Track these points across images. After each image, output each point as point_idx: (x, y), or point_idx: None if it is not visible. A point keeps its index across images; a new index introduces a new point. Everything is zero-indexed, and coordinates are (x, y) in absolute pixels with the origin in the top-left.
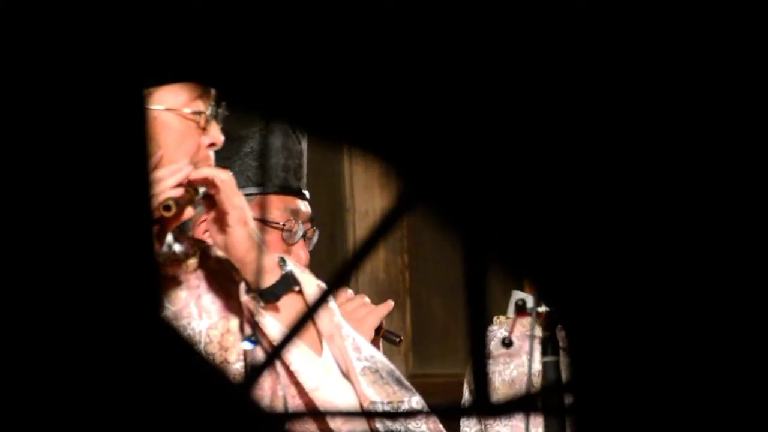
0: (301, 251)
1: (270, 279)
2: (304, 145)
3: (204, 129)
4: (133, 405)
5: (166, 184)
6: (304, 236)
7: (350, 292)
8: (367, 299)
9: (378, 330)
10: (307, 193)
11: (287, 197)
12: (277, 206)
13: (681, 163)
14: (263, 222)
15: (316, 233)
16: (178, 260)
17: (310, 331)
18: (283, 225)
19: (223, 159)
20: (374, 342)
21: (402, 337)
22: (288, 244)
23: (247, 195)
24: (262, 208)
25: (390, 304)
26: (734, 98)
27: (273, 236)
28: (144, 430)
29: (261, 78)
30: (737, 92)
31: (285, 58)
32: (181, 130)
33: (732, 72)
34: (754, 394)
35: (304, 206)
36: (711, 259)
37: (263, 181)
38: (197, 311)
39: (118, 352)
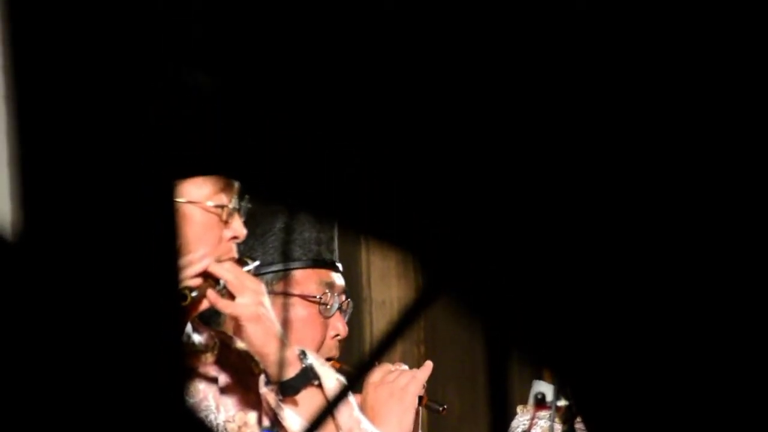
0: (339, 323)
1: (290, 372)
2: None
3: (226, 222)
4: None
5: (185, 273)
6: (339, 308)
7: (389, 365)
8: (405, 367)
9: (420, 399)
10: (340, 266)
11: (322, 270)
12: (313, 280)
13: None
14: (300, 296)
15: (351, 305)
16: (197, 352)
17: (329, 426)
18: (320, 298)
19: (257, 236)
20: (417, 412)
21: (446, 406)
22: (325, 317)
23: (281, 270)
24: (298, 282)
25: (429, 365)
26: (734, 98)
27: (310, 310)
28: None
29: (280, 169)
30: (737, 92)
31: (304, 147)
32: (203, 223)
33: (732, 72)
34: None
35: (338, 278)
36: (722, 317)
37: (298, 256)
38: (215, 404)
39: None
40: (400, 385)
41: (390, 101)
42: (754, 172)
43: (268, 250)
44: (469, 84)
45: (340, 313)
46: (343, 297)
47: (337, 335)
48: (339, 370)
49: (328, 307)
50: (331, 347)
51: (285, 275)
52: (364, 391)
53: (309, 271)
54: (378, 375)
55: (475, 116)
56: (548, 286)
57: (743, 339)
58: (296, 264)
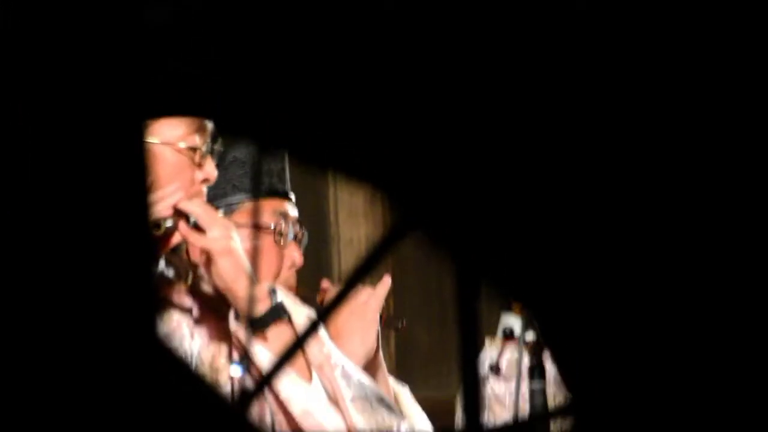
0: (294, 253)
1: (260, 308)
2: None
3: (199, 164)
4: (128, 423)
5: (157, 207)
6: (294, 238)
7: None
8: (362, 287)
9: (380, 317)
10: (293, 196)
11: (274, 200)
12: (266, 210)
13: (677, 171)
14: (254, 227)
15: (306, 234)
16: (171, 282)
17: (299, 361)
18: (275, 228)
19: None
20: (378, 330)
21: (404, 322)
22: (280, 246)
23: (235, 203)
24: (252, 213)
25: (387, 279)
26: (734, 99)
27: (265, 240)
28: None
29: (250, 104)
30: (737, 92)
31: (273, 84)
32: (176, 163)
33: (732, 72)
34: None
35: (292, 208)
36: (701, 278)
37: (250, 187)
38: (189, 332)
39: (114, 370)
40: (360, 302)
41: (367, 37)
42: (753, 163)
43: (220, 183)
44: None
45: (296, 242)
46: (298, 227)
47: (293, 265)
48: (297, 295)
49: (283, 235)
50: (288, 277)
51: (237, 207)
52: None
53: (262, 202)
54: (335, 295)
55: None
56: (518, 218)
57: (716, 276)
58: (248, 195)
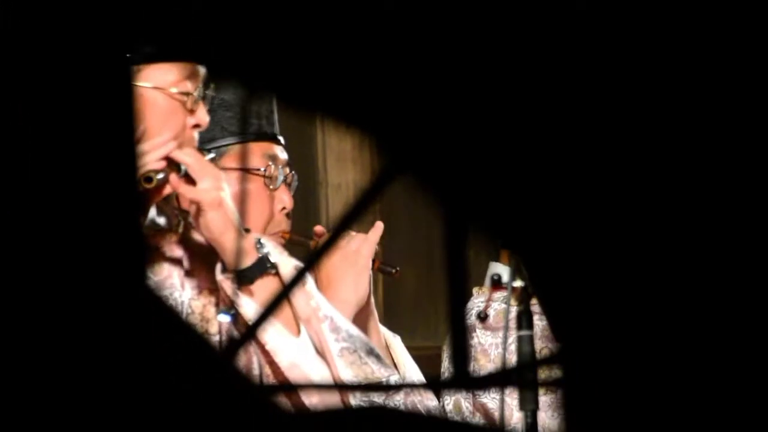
0: (285, 196)
1: (246, 261)
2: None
3: (191, 110)
4: (117, 371)
5: (149, 157)
6: (284, 181)
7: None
8: (353, 232)
9: (373, 263)
10: (282, 139)
11: (264, 143)
12: (256, 153)
13: (662, 135)
14: (244, 170)
15: (296, 177)
16: (161, 232)
17: (286, 312)
18: (264, 171)
19: None
20: (370, 276)
21: (398, 269)
22: (270, 190)
23: (224, 146)
24: (242, 157)
25: (379, 225)
26: (734, 97)
27: (255, 184)
28: (127, 394)
29: (240, 47)
30: (737, 91)
31: (263, 25)
32: (167, 109)
33: (732, 71)
34: (727, 355)
35: (281, 151)
36: (686, 222)
37: (239, 130)
38: (180, 282)
39: (104, 319)
40: (353, 249)
41: None
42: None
43: (209, 126)
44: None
45: (286, 185)
46: (287, 169)
47: (284, 208)
48: (289, 241)
49: (273, 179)
50: (280, 221)
51: (226, 151)
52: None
53: (251, 145)
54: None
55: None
56: (508, 162)
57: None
58: (237, 138)
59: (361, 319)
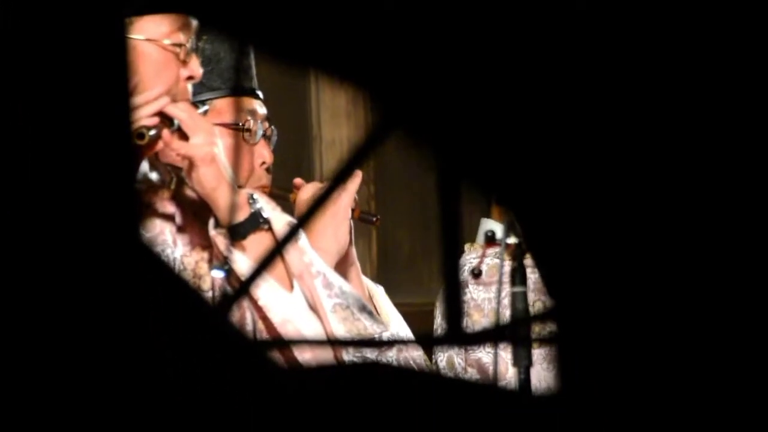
0: (264, 150)
1: (239, 216)
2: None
3: (184, 62)
4: (112, 327)
5: (142, 112)
6: (264, 135)
7: (318, 183)
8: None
9: (353, 212)
10: (260, 93)
11: (242, 98)
12: (234, 108)
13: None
14: (222, 125)
15: (275, 132)
16: (154, 188)
17: (279, 268)
18: (243, 125)
19: None
20: (350, 224)
21: (378, 216)
22: (249, 144)
23: (202, 101)
24: (219, 112)
25: (358, 174)
26: (734, 95)
27: (234, 138)
28: (121, 352)
29: (234, 1)
30: (737, 89)
31: None
32: (160, 61)
33: (732, 71)
34: (718, 325)
35: (260, 106)
36: (685, 197)
37: (217, 85)
38: (172, 239)
39: (98, 275)
40: (331, 198)
41: None
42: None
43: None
44: None
45: (265, 140)
46: (267, 124)
47: (264, 162)
48: (270, 195)
49: (252, 132)
50: (261, 176)
51: (207, 107)
52: (296, 210)
53: (229, 100)
54: (308, 191)
55: None
56: (502, 117)
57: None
58: (216, 93)
59: (342, 268)
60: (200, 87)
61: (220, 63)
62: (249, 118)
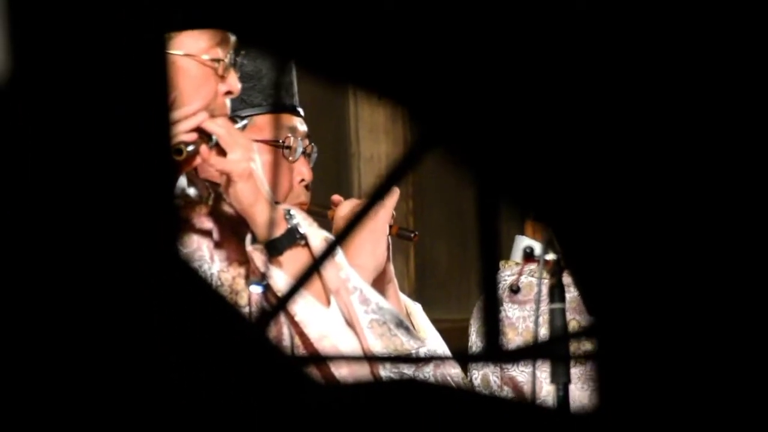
0: (304, 168)
1: (276, 232)
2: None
3: (222, 77)
4: (151, 343)
5: (180, 128)
6: (303, 152)
7: (355, 199)
8: None
9: (390, 228)
10: (301, 110)
11: (283, 115)
12: (275, 125)
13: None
14: (262, 142)
15: (315, 149)
16: (192, 203)
17: (316, 284)
18: (283, 142)
19: None
20: (388, 241)
21: (417, 233)
22: (289, 161)
23: (241, 117)
24: (261, 128)
25: (396, 191)
26: (734, 94)
27: (274, 155)
28: (160, 368)
29: (273, 17)
30: (737, 88)
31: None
32: (199, 76)
33: (732, 71)
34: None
35: (300, 123)
36: (707, 200)
37: (258, 101)
38: (209, 254)
39: (136, 289)
40: (369, 214)
41: None
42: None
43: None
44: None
45: (305, 157)
46: (307, 141)
47: (303, 180)
48: (309, 212)
49: (292, 150)
50: (299, 193)
51: (246, 122)
52: (334, 227)
53: (270, 117)
54: (346, 208)
55: None
56: (542, 135)
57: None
58: (256, 110)
59: (380, 285)
60: (241, 103)
61: (262, 80)
62: (289, 135)
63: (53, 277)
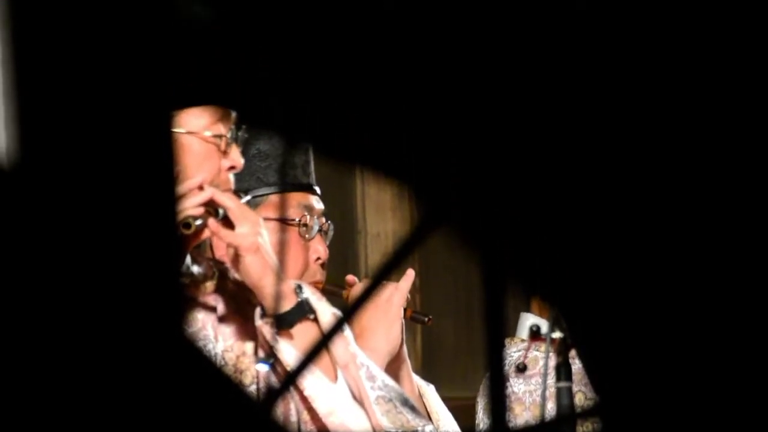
0: (320, 246)
1: (285, 305)
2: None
3: (224, 152)
4: (154, 422)
5: (188, 203)
6: (320, 230)
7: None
8: (386, 282)
9: (405, 311)
10: (317, 189)
11: (299, 194)
12: (291, 203)
13: (682, 167)
14: (280, 220)
15: (331, 227)
16: (196, 282)
17: (324, 359)
18: (299, 221)
19: None
20: (402, 324)
21: (430, 317)
22: (305, 240)
23: (260, 195)
24: (278, 207)
25: (411, 273)
26: (734, 95)
27: (290, 234)
28: None
29: (277, 98)
30: (737, 89)
31: (299, 80)
32: (202, 153)
33: (732, 71)
34: None
35: (316, 201)
36: (726, 277)
37: (275, 180)
38: (213, 333)
39: (140, 368)
40: (384, 298)
41: (386, 36)
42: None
43: (244, 176)
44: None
45: (321, 235)
46: (323, 219)
47: (319, 258)
48: (323, 291)
49: (309, 229)
50: (315, 271)
51: (262, 200)
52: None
53: (286, 195)
54: (360, 290)
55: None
56: (546, 215)
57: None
58: (273, 189)
59: (393, 367)
60: (258, 182)
61: (278, 159)
62: (306, 213)
63: (58, 357)
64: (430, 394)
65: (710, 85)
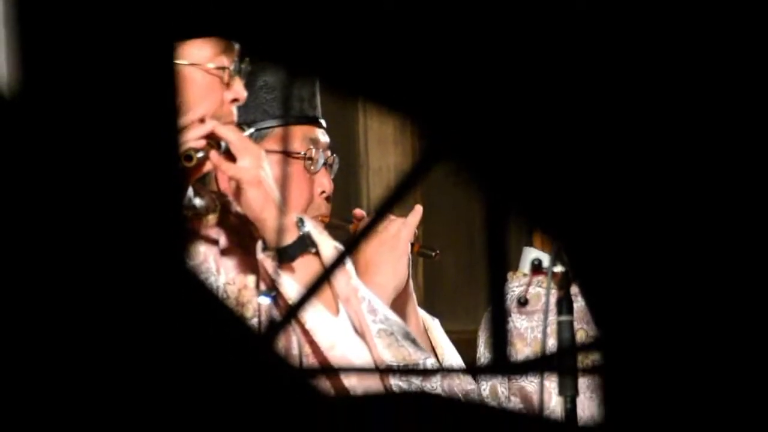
0: (324, 179)
1: (287, 239)
2: None
3: (227, 84)
4: (157, 355)
5: (190, 135)
6: (325, 164)
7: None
8: (393, 216)
9: (412, 246)
10: (323, 122)
11: (305, 127)
12: (297, 136)
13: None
14: (284, 153)
15: (337, 160)
16: (198, 214)
17: (326, 293)
18: (305, 154)
19: None
20: (409, 259)
21: (438, 252)
22: (310, 173)
23: (265, 128)
24: (283, 139)
25: (419, 209)
26: (734, 93)
27: (295, 167)
28: (164, 379)
29: (280, 30)
30: (737, 88)
31: (302, 11)
32: (205, 85)
33: (732, 70)
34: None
35: (322, 134)
36: (730, 206)
37: (281, 113)
38: (215, 266)
39: (142, 300)
40: (391, 233)
41: None
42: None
43: (250, 108)
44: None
45: (326, 169)
46: (329, 153)
47: (324, 191)
48: (328, 225)
49: (314, 161)
50: (320, 205)
51: (268, 133)
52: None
53: (292, 128)
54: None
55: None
56: (549, 146)
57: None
58: (278, 121)
59: (399, 302)
60: (263, 114)
61: (284, 91)
62: (311, 146)
63: (59, 289)
64: (435, 328)
65: (711, 80)
